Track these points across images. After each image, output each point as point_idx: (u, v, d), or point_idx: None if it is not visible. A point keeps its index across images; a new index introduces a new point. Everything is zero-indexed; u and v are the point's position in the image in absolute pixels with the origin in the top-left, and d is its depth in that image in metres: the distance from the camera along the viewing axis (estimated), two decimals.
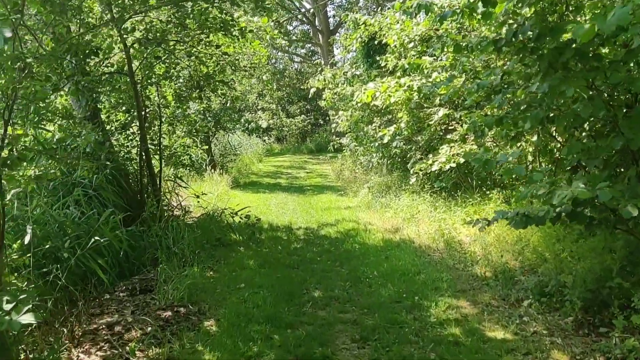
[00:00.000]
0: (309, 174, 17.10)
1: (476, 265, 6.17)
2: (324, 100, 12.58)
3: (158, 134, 8.51)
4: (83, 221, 5.65)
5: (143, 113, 8.24)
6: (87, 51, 5.81)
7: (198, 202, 9.02)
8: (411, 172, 9.08)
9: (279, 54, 27.48)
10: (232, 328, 4.54)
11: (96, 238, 4.96)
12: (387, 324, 4.58)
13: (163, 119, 9.00)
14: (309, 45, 30.82)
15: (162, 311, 4.95)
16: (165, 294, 5.20)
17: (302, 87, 28.64)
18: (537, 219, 4.04)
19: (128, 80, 7.67)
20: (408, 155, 10.62)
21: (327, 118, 29.74)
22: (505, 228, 6.69)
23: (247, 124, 28.13)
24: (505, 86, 5.17)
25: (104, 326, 4.48)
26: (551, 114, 4.79)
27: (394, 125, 8.83)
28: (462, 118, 7.52)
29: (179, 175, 10.70)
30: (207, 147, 14.78)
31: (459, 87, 5.88)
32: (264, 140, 27.21)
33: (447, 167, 7.55)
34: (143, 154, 8.00)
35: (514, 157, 4.70)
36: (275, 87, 25.93)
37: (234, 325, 4.59)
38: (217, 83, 8.86)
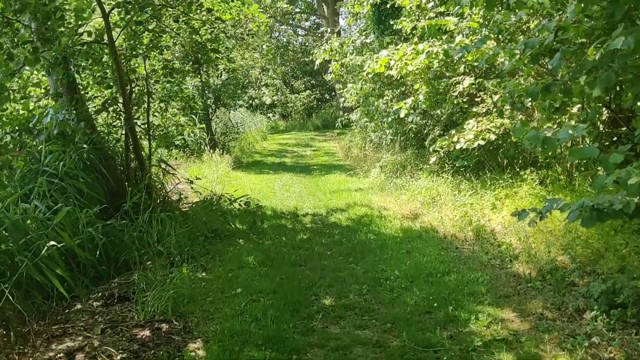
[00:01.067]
0: (315, 152, 16.07)
1: (516, 261, 5.17)
2: (331, 73, 11.47)
3: (146, 112, 7.49)
4: (47, 217, 4.68)
5: (128, 88, 7.22)
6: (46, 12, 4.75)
7: (192, 188, 8.03)
8: (430, 149, 8.02)
9: (282, 26, 26.15)
10: (224, 354, 3.59)
11: (52, 243, 3.97)
12: (418, 346, 3.61)
13: (153, 95, 7.98)
14: (314, 17, 29.40)
15: (140, 329, 4.00)
16: (145, 305, 4.25)
17: (306, 61, 27.39)
18: (614, 214, 3.05)
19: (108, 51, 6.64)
20: (425, 131, 9.55)
21: (334, 93, 28.52)
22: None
23: (250, 101, 27.08)
24: (560, 44, 4.10)
25: (62, 354, 3.54)
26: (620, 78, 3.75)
27: (411, 98, 7.75)
28: (492, 88, 6.44)
29: (174, 157, 9.73)
30: (205, 125, 13.75)
31: (496, 50, 4.79)
32: (269, 117, 26.13)
33: (475, 144, 6.50)
34: (128, 134, 7.02)
35: (579, 133, 3.64)
36: (278, 61, 24.69)
37: (226, 349, 3.63)
38: (210, 53, 7.77)
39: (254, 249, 6.16)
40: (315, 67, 10.63)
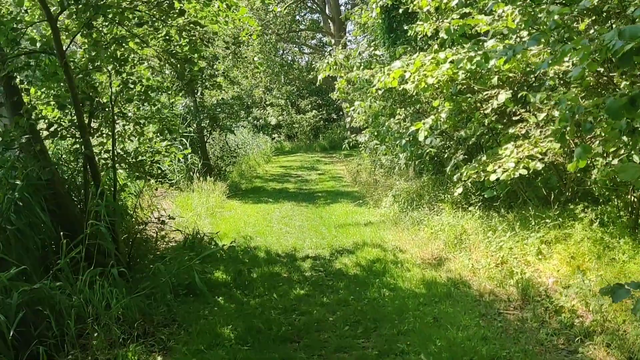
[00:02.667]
0: (320, 177, 14.67)
1: (589, 342, 3.69)
2: (337, 90, 10.15)
3: (111, 137, 6.14)
4: None
5: (87, 108, 5.90)
6: None
7: (163, 227, 6.67)
8: (454, 178, 6.57)
9: (287, 44, 25.00)
10: None
11: None
12: None
13: (127, 117, 6.66)
14: (319, 35, 28.30)
15: None
16: None
17: (312, 79, 26.22)
18: None
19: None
20: (445, 156, 8.13)
21: (341, 113, 27.24)
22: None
23: (255, 121, 25.85)
24: None
25: None
26: None
27: (431, 117, 6.34)
28: (539, 103, 5.01)
29: (154, 188, 8.36)
30: (200, 149, 12.42)
31: (562, 50, 3.37)
32: (273, 138, 24.84)
33: (517, 174, 5.05)
34: (87, 164, 5.68)
35: None
36: (282, 80, 23.48)
37: None
38: (185, 66, 6.39)
39: (235, 314, 4.72)
40: (318, 83, 9.27)
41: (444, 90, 6.34)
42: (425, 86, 6.26)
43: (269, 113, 25.90)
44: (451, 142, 8.06)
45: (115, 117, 6.36)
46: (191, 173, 10.86)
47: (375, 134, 8.90)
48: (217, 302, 5.05)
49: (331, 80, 25.92)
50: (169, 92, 7.83)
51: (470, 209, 7.02)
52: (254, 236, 7.81)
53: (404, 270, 5.74)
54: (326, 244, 7.21)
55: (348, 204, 10.14)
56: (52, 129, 5.75)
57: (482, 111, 6.08)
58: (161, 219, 6.55)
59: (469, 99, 6.22)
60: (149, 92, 6.60)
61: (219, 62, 13.26)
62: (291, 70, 24.54)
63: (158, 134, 7.05)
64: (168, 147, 7.41)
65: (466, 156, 7.44)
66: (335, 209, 9.78)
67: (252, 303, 5.01)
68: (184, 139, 11.26)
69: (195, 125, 11.94)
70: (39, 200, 4.84)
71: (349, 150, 14.63)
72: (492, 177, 5.33)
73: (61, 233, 4.24)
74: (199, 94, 12.53)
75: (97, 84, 6.09)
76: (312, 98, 26.77)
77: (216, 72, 12.93)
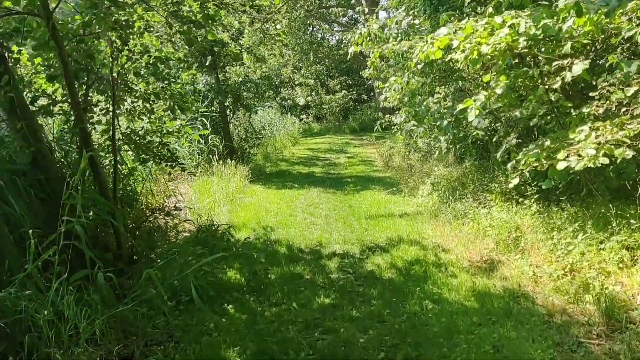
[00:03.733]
0: (350, 160, 13.69)
1: None
2: (368, 66, 9.11)
3: (112, 115, 5.32)
4: None
5: (84, 80, 5.10)
6: None
7: (182, 214, 5.88)
8: (508, 166, 5.52)
9: (316, 21, 23.81)
10: None
11: None
12: None
13: (134, 92, 5.84)
14: (351, 12, 26.97)
15: None
16: None
17: (342, 59, 25.04)
18: None
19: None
20: (493, 139, 7.07)
21: (372, 94, 26.05)
22: None
23: (282, 101, 24.94)
24: None
25: None
26: None
27: (482, 94, 5.29)
28: (638, 72, 3.91)
29: (166, 172, 7.57)
30: (223, 130, 11.59)
31: None
32: (301, 119, 23.90)
33: (598, 162, 4.00)
34: (82, 145, 4.88)
35: None
36: (311, 58, 22.40)
37: None
38: (193, 31, 5.45)
39: (246, 329, 3.87)
40: (349, 58, 8.17)
41: (500, 62, 5.27)
42: (477, 57, 5.21)
43: (297, 93, 24.91)
44: (499, 124, 7.00)
45: (121, 93, 5.55)
46: (211, 155, 10.04)
47: (412, 114, 7.86)
48: (226, 311, 4.22)
49: (362, 59, 24.74)
50: (181, 65, 6.95)
51: (524, 201, 5.98)
52: (275, 227, 6.95)
53: (449, 276, 4.78)
54: (356, 238, 6.30)
55: (380, 191, 9.17)
56: (39, 102, 4.96)
57: (547, 86, 4.99)
58: (167, 209, 5.74)
59: (531, 72, 5.13)
60: (158, 64, 5.74)
61: (244, 37, 12.34)
62: (321, 49, 23.39)
63: (169, 112, 6.21)
64: (182, 127, 6.58)
65: (519, 140, 6.37)
66: (365, 196, 8.83)
67: (267, 314, 4.16)
68: (204, 119, 10.44)
69: (217, 104, 11.10)
70: (19, 188, 4.06)
71: (381, 132, 13.57)
72: (560, 166, 4.29)
73: (30, 231, 3.42)
74: (221, 74, 11.65)
75: (97, 53, 5.24)
76: (342, 78, 25.63)
77: (241, 49, 12.03)
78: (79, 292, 3.45)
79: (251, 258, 5.54)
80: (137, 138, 5.90)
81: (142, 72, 5.86)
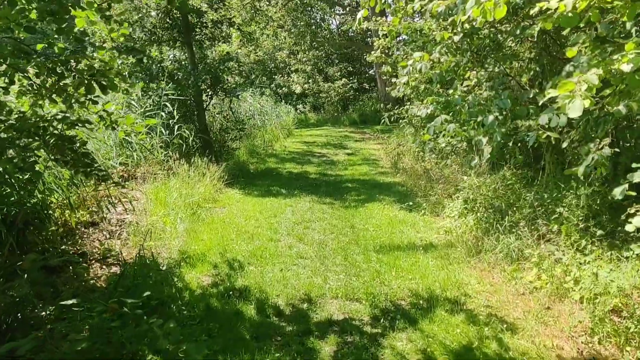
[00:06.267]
0: (350, 158, 11.44)
1: None
2: (383, 34, 6.84)
3: None
4: None
5: None
6: None
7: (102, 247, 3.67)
8: (616, 193, 3.30)
9: (316, 1, 21.33)
10: None
11: None
12: None
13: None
14: None
15: None
16: None
17: (343, 43, 22.65)
18: None
19: None
20: (564, 144, 4.84)
21: (373, 84, 23.71)
22: None
23: (277, 89, 22.61)
24: None
25: None
26: None
27: (594, 72, 3.10)
28: None
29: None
30: (197, 118, 9.29)
31: None
32: (297, 108, 21.59)
33: None
34: None
35: None
36: (308, 40, 20.03)
37: None
38: None
39: None
40: (356, 26, 5.89)
41: (625, 17, 3.04)
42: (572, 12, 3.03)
43: (293, 80, 22.56)
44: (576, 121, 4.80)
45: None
46: (170, 151, 7.76)
47: (442, 105, 5.60)
48: None
49: (364, 44, 22.35)
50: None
51: (624, 246, 3.79)
52: (246, 262, 4.74)
53: None
54: (363, 289, 4.09)
55: (391, 204, 6.95)
56: None
57: None
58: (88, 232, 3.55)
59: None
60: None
61: (226, 7, 10.01)
62: (320, 31, 20.99)
63: (85, 92, 3.94)
64: (108, 114, 4.33)
65: (617, 149, 4.20)
66: (372, 211, 6.61)
67: None
68: (168, 105, 8.15)
69: (190, 85, 8.82)
70: None
71: (389, 125, 11.30)
72: None
73: None
74: (197, 46, 9.33)
75: None
76: (342, 65, 23.30)
77: (222, 21, 9.72)
78: None
79: (195, 332, 3.32)
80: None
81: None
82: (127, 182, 6.62)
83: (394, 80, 9.48)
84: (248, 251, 5.06)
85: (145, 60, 8.88)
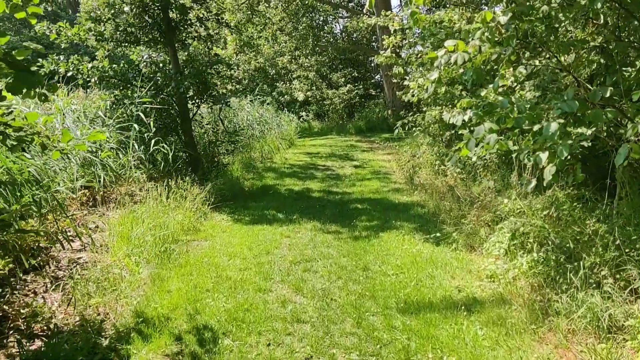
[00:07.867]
0: (358, 172, 10.06)
1: None
2: (408, 17, 5.53)
3: None
4: None
5: None
6: None
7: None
8: None
9: (318, 3, 19.98)
10: None
11: None
12: None
13: None
14: None
15: None
16: None
17: (347, 47, 21.30)
18: None
19: None
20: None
21: (379, 90, 22.34)
22: None
23: (279, 97, 21.31)
24: None
25: None
26: None
27: None
28: None
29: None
30: (182, 130, 7.95)
31: None
32: (300, 116, 20.25)
33: None
34: None
35: None
36: (311, 46, 18.69)
37: None
38: None
39: None
40: (366, 8, 4.55)
41: None
42: None
43: (295, 87, 21.25)
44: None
45: None
46: (146, 170, 6.40)
47: (485, 110, 4.24)
48: None
49: (370, 49, 20.96)
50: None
51: None
52: (221, 332, 3.37)
53: None
54: None
55: (411, 232, 5.56)
56: None
57: None
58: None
59: None
60: None
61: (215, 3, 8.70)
62: (322, 34, 19.66)
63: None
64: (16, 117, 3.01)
65: None
66: (390, 245, 5.21)
67: None
68: (141, 114, 6.80)
69: (171, 91, 7.50)
70: None
71: (402, 132, 9.85)
72: None
73: None
74: (183, 51, 8.01)
75: None
76: (347, 70, 21.97)
77: (209, 16, 8.40)
78: None
79: None
80: None
81: None
82: (73, 215, 5.25)
83: (405, 83, 8.15)
84: (226, 311, 3.69)
85: (121, 65, 7.59)
